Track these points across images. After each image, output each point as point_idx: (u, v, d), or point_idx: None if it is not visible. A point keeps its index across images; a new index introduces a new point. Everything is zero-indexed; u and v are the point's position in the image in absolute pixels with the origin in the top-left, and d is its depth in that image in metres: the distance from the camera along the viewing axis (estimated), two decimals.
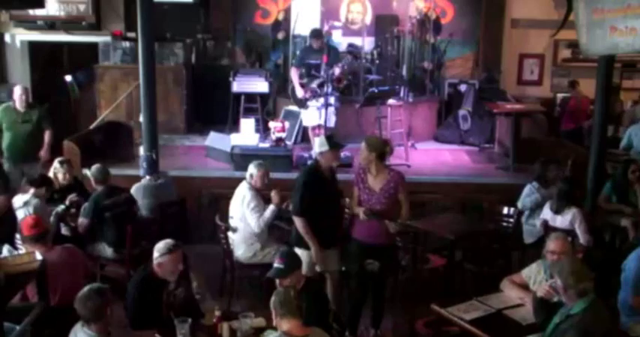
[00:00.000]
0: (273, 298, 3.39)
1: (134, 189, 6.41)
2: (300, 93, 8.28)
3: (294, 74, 8.44)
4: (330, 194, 5.11)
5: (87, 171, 6.14)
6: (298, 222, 5.05)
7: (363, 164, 5.00)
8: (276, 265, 4.07)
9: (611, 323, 3.78)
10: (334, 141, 5.15)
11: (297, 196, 5.04)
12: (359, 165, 5.21)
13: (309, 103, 8.31)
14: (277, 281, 4.02)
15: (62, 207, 5.98)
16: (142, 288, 4.17)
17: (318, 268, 5.16)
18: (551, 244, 4.26)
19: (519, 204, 6.38)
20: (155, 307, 4.13)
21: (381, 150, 4.96)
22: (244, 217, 5.77)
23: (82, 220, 5.87)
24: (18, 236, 5.65)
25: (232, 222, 5.90)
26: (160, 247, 4.19)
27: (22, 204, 5.78)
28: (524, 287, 4.40)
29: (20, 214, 5.76)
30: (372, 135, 6.78)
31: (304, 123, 8.61)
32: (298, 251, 4.80)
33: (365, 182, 4.95)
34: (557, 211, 5.83)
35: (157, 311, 4.12)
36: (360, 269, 5.00)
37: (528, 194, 6.36)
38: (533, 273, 4.42)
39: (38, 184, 5.86)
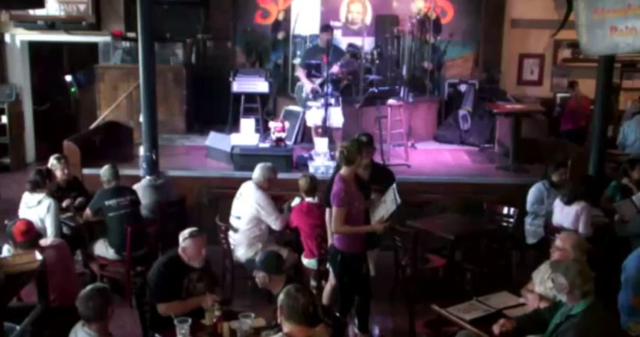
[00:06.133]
0: (281, 296, 3.36)
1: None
2: (309, 86, 8.27)
3: (301, 74, 8.47)
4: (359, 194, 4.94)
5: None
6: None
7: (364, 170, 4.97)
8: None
9: (611, 324, 3.77)
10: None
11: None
12: (338, 181, 4.81)
13: (310, 103, 8.32)
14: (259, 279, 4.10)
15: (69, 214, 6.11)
16: (166, 266, 4.43)
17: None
18: (559, 240, 4.28)
19: (527, 207, 6.38)
20: (175, 288, 4.35)
21: None
22: (255, 218, 5.80)
23: (87, 211, 6.00)
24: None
25: (237, 223, 5.91)
26: (183, 233, 4.47)
27: (37, 203, 5.75)
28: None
29: (32, 214, 5.71)
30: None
31: (308, 123, 8.62)
32: None
33: (351, 193, 4.76)
34: (568, 202, 5.81)
35: (175, 291, 4.34)
36: (358, 276, 5.03)
37: (538, 192, 6.38)
38: (541, 273, 4.42)
39: (42, 182, 5.83)
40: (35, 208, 5.72)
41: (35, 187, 5.82)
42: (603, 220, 6.15)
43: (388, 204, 4.76)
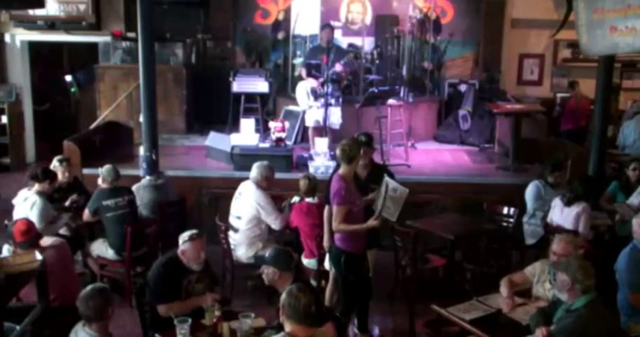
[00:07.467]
0: (283, 296, 3.36)
1: (134, 189, 6.41)
2: (314, 83, 8.29)
3: (303, 73, 8.50)
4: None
5: (100, 170, 6.15)
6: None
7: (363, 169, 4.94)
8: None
9: (611, 322, 3.77)
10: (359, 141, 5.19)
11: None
12: (339, 180, 4.81)
13: (310, 103, 8.32)
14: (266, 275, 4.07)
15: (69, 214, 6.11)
16: (165, 267, 4.43)
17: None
18: (555, 246, 4.28)
19: (529, 205, 6.38)
20: (174, 288, 4.36)
21: None
22: (255, 218, 5.79)
23: (85, 212, 6.00)
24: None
25: (237, 223, 5.91)
26: (183, 235, 4.44)
27: (23, 199, 5.75)
28: (518, 285, 4.44)
29: (20, 211, 5.73)
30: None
31: (307, 123, 8.62)
32: None
33: (351, 192, 4.78)
34: (568, 203, 5.80)
35: (175, 292, 4.35)
36: (361, 275, 5.03)
37: (536, 188, 6.37)
38: (537, 272, 4.44)
39: (41, 178, 5.84)
40: (22, 205, 5.73)
41: (33, 178, 5.83)
42: (606, 223, 6.15)
43: (381, 198, 4.77)
